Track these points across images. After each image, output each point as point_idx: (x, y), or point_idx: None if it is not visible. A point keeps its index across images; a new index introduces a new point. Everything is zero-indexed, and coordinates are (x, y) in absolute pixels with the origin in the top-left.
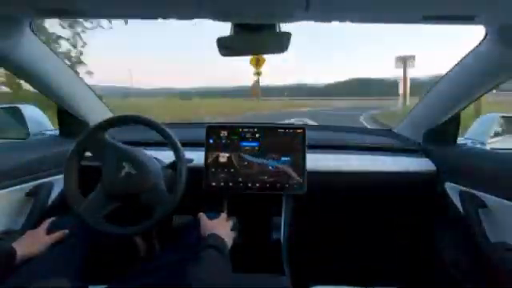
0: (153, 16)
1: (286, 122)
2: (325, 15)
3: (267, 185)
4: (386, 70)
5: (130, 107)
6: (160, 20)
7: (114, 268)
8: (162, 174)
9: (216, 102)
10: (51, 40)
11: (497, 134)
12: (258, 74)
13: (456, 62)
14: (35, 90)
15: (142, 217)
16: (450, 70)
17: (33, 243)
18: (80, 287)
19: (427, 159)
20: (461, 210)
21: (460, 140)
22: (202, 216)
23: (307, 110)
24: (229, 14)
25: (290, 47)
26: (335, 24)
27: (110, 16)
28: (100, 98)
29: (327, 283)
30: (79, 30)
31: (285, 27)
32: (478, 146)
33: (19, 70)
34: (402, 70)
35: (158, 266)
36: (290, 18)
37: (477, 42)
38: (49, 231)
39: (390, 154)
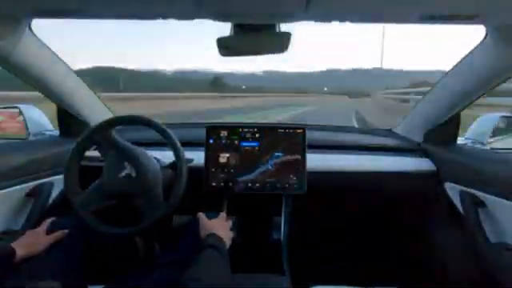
0: (153, 16)
1: None
2: (325, 15)
3: (267, 185)
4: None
5: None
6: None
7: (114, 268)
8: (162, 174)
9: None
10: None
11: (497, 134)
12: None
13: (456, 62)
14: None
15: (136, 218)
16: (450, 70)
17: (33, 243)
18: (80, 287)
19: (427, 159)
20: (461, 209)
21: (460, 140)
22: (202, 216)
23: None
24: (229, 14)
25: None
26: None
27: (110, 16)
28: (100, 98)
29: (327, 283)
30: None
31: (285, 27)
32: (478, 146)
33: (19, 70)
34: None
35: (158, 266)
36: (290, 17)
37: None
38: (49, 231)
39: (389, 154)
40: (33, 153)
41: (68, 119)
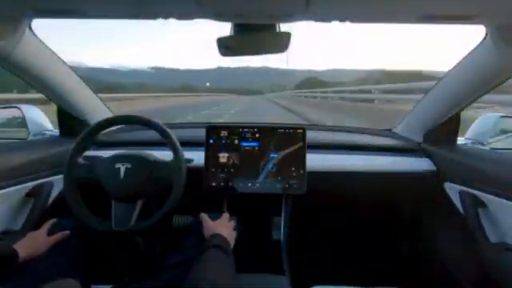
0: (153, 16)
1: None
2: (325, 15)
3: (267, 185)
4: None
5: None
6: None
7: (115, 268)
8: (162, 174)
9: None
10: None
11: (497, 134)
12: None
13: (456, 62)
14: None
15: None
16: (450, 70)
17: (34, 245)
18: None
19: (427, 159)
20: (461, 209)
21: (460, 140)
22: (204, 216)
23: None
24: (229, 14)
25: None
26: None
27: (110, 16)
28: (100, 98)
29: (327, 283)
30: None
31: (285, 27)
32: (478, 146)
33: (19, 70)
34: None
35: (163, 267)
36: (290, 17)
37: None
38: (50, 233)
39: (389, 154)
40: (33, 153)
41: (68, 119)
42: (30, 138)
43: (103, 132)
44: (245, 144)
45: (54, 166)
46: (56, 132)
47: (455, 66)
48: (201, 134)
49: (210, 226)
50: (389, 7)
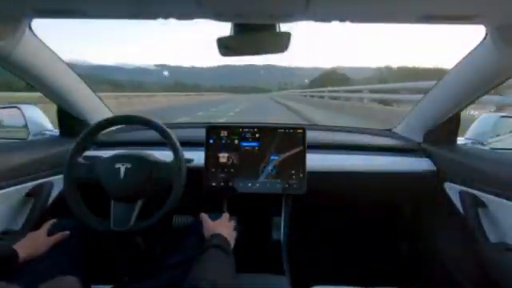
0: (153, 16)
1: None
2: (324, 15)
3: (267, 185)
4: None
5: None
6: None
7: (115, 268)
8: (162, 174)
9: None
10: None
11: (497, 134)
12: None
13: (456, 62)
14: None
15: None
16: (450, 70)
17: (34, 245)
18: None
19: (427, 159)
20: (461, 209)
21: (460, 140)
22: (205, 216)
23: None
24: (229, 14)
25: None
26: None
27: (110, 16)
28: (100, 98)
29: (327, 283)
30: None
31: (285, 27)
32: (478, 146)
33: (19, 70)
34: None
35: (163, 267)
36: (290, 17)
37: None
38: (50, 233)
39: (389, 154)
40: (33, 153)
41: (68, 119)
42: (30, 138)
43: (103, 132)
44: (245, 144)
45: (54, 166)
46: (56, 132)
47: (455, 66)
48: (201, 133)
49: (210, 226)
50: (389, 7)
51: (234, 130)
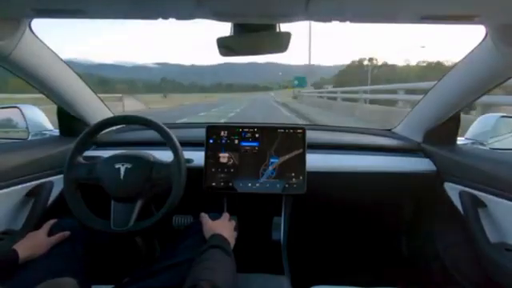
0: (153, 16)
1: None
2: (324, 15)
3: (267, 185)
4: None
5: None
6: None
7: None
8: (162, 174)
9: None
10: None
11: (497, 134)
12: None
13: (456, 62)
14: None
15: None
16: (450, 70)
17: (34, 245)
18: None
19: (427, 159)
20: (461, 210)
21: (460, 140)
22: (205, 216)
23: None
24: (229, 14)
25: None
26: None
27: (110, 16)
28: (100, 98)
29: (327, 283)
30: None
31: (285, 27)
32: (478, 146)
33: (19, 70)
34: None
35: (163, 267)
36: (290, 17)
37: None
38: (50, 233)
39: (389, 154)
40: (33, 153)
41: (68, 119)
42: (30, 138)
43: (103, 132)
44: (245, 144)
45: (54, 166)
46: (56, 132)
47: (455, 66)
48: (201, 133)
49: (210, 226)
50: (389, 7)
51: (233, 129)
